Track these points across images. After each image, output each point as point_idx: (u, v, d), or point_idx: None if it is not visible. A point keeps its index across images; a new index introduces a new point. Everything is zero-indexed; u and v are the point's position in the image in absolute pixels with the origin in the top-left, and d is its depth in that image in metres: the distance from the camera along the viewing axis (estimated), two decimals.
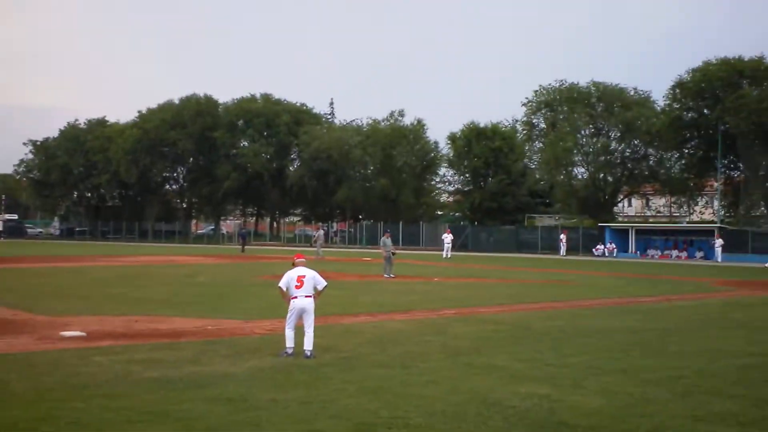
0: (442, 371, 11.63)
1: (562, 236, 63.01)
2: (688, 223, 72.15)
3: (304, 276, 13.03)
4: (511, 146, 79.54)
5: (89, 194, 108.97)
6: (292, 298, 12.97)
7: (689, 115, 67.07)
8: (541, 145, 78.04)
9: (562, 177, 76.30)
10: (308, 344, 12.83)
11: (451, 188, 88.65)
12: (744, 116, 59.13)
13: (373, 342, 14.45)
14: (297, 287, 12.93)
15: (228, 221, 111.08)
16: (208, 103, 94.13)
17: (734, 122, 59.84)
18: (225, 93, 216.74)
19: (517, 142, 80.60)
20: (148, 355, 12.80)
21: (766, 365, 12.23)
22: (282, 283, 13.14)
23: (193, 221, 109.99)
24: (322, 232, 60.10)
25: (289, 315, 12.99)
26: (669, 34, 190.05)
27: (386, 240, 33.56)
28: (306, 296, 12.95)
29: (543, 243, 68.13)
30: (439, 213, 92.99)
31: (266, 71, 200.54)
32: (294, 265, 13.36)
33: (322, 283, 13.23)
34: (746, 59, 63.45)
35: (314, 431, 8.17)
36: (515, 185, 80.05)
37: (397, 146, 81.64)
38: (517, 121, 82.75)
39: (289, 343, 12.85)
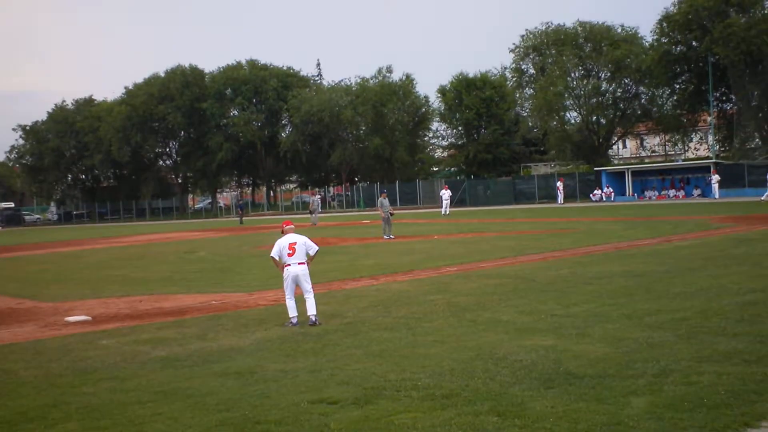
0: (448, 330, 11.66)
1: (559, 184, 62.99)
2: (683, 160, 72.09)
3: (295, 243, 13.00)
4: (501, 95, 79.14)
5: (83, 176, 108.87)
6: (285, 266, 12.94)
7: (678, 48, 66.51)
8: (531, 91, 77.68)
9: (555, 123, 76.07)
10: (311, 309, 12.87)
11: (444, 143, 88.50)
12: (733, 46, 58.67)
13: (377, 305, 14.48)
14: (289, 255, 12.91)
15: (224, 193, 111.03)
16: (194, 73, 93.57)
17: (723, 52, 59.38)
18: (210, 62, 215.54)
19: (507, 89, 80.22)
20: (155, 334, 12.84)
21: None
22: (274, 253, 13.10)
23: (190, 196, 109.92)
24: (317, 198, 60.20)
25: (285, 285, 13.00)
26: None
27: (383, 201, 33.49)
28: (299, 263, 12.93)
29: (540, 192, 68.15)
30: (435, 169, 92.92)
31: (249, 37, 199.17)
32: (283, 232, 13.32)
33: (313, 248, 13.20)
34: None
35: (324, 399, 8.21)
36: (509, 135, 79.84)
37: (387, 103, 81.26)
38: (506, 68, 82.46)
39: (292, 312, 12.87)
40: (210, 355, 10.91)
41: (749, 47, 58.50)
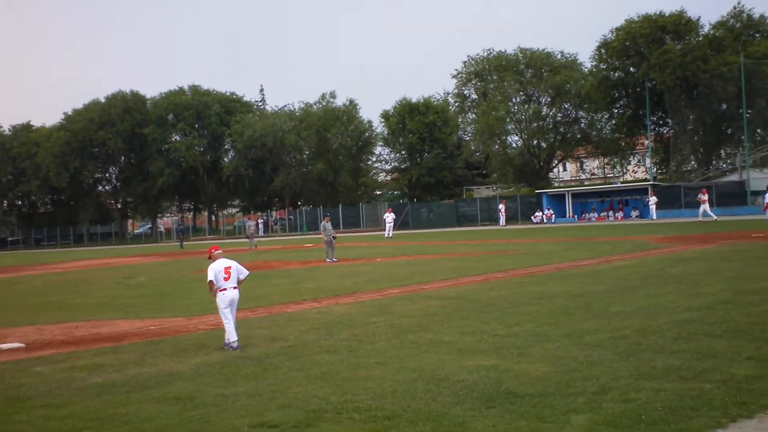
0: (390, 351, 11.61)
1: (501, 206, 63.60)
2: (622, 183, 73.45)
3: (230, 267, 13.01)
4: (444, 120, 80.00)
5: (20, 202, 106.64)
6: (221, 291, 12.86)
7: (616, 74, 68.21)
8: (474, 116, 78.66)
9: (496, 147, 77.04)
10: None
11: (388, 167, 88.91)
12: (669, 72, 60.41)
13: (319, 328, 14.37)
14: (225, 279, 12.88)
15: (165, 218, 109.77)
16: (136, 99, 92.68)
17: (660, 78, 61.07)
18: (152, 88, 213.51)
19: (450, 114, 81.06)
20: (91, 360, 12.54)
21: (705, 318, 12.45)
22: (212, 277, 12.96)
23: (129, 221, 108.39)
24: (254, 222, 60.22)
25: (222, 309, 12.89)
26: None
27: (326, 224, 33.45)
28: (234, 287, 12.94)
29: (482, 214, 68.81)
30: (378, 192, 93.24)
31: (192, 63, 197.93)
32: (211, 257, 13.21)
33: (244, 272, 13.23)
34: (667, 14, 64.62)
35: (265, 423, 8.09)
36: (451, 158, 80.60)
37: (331, 128, 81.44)
38: (448, 93, 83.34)
39: (233, 336, 12.74)
40: (148, 380, 10.69)
41: (684, 73, 60.25)
